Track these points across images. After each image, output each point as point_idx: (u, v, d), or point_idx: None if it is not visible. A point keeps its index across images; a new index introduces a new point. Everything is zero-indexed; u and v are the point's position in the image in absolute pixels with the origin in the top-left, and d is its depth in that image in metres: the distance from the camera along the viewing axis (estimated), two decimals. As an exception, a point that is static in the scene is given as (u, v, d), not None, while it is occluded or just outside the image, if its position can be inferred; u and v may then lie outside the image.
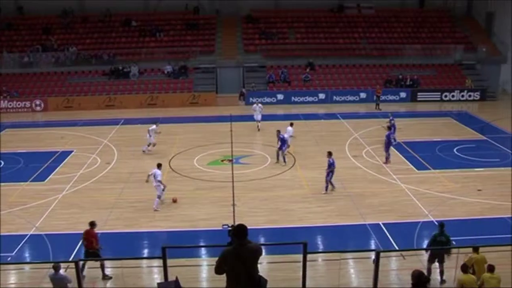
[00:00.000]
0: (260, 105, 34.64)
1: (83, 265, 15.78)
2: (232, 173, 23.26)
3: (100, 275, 16.03)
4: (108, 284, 15.86)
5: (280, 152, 26.81)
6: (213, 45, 45.85)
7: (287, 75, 43.47)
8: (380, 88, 41.44)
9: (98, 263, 15.97)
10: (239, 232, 7.92)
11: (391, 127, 28.55)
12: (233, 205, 21.29)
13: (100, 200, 22.32)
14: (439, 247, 15.02)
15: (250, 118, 36.68)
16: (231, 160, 26.81)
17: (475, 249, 14.52)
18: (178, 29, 47.19)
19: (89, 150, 29.29)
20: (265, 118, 36.50)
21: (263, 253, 16.67)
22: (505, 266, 14.76)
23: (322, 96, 42.09)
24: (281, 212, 21.05)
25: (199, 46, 45.19)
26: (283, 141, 26.65)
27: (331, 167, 22.75)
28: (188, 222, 20.10)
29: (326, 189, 23.05)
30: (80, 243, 17.06)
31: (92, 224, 16.21)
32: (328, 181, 23.06)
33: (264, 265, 16.58)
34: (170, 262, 10.03)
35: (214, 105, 40.68)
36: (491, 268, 13.65)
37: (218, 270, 8.08)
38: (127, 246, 17.68)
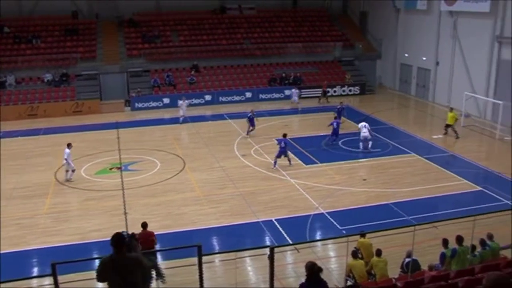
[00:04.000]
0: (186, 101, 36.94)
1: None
2: (122, 181, 22.80)
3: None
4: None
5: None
6: (94, 50, 44.57)
7: (172, 79, 43.20)
8: (326, 84, 43.02)
9: None
10: (115, 241, 7.87)
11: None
12: (125, 213, 20.87)
13: (-19, 219, 21.04)
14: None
15: (137, 123, 36.26)
16: (119, 168, 26.27)
17: (362, 235, 15.31)
18: (57, 35, 45.37)
19: (-34, 167, 27.51)
20: (151, 123, 36.28)
21: (159, 260, 16.64)
22: (391, 249, 15.68)
23: (208, 97, 42.24)
24: (174, 216, 20.94)
25: (79, 52, 43.76)
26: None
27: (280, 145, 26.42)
28: (79, 235, 19.45)
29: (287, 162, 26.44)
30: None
31: (145, 225, 16.28)
32: (276, 157, 26.24)
33: (162, 271, 16.41)
34: (61, 278, 9.68)
35: (99, 113, 39.54)
36: (378, 252, 14.41)
37: (99, 278, 8.02)
38: (14, 266, 16.79)
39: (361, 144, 29.31)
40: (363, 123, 29.57)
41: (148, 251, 15.49)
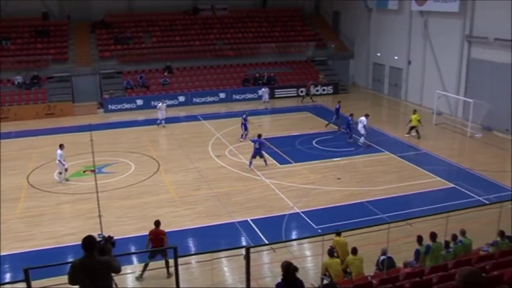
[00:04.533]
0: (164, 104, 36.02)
1: (146, 265, 16.27)
2: (96, 184, 22.55)
3: (165, 273, 16.33)
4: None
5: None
6: (66, 52, 44.04)
7: (145, 80, 42.93)
8: (310, 84, 43.19)
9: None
10: (85, 244, 7.82)
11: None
12: (99, 216, 20.62)
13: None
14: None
15: (111, 126, 35.95)
16: (93, 170, 25.98)
17: (338, 234, 15.41)
18: (27, 37, 44.69)
19: None
20: (124, 125, 36.00)
21: (135, 262, 16.56)
22: (366, 247, 15.81)
23: (181, 98, 42.06)
24: (149, 218, 20.68)
25: (51, 54, 43.17)
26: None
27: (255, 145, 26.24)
28: (53, 239, 19.22)
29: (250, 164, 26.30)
30: None
31: (158, 223, 16.69)
32: (251, 157, 26.17)
33: (138, 273, 16.36)
34: (35, 284, 9.56)
35: (72, 115, 39.07)
36: (354, 251, 14.52)
37: (70, 281, 7.97)
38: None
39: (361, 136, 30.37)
40: (362, 118, 30.39)
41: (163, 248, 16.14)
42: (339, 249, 15.09)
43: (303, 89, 43.21)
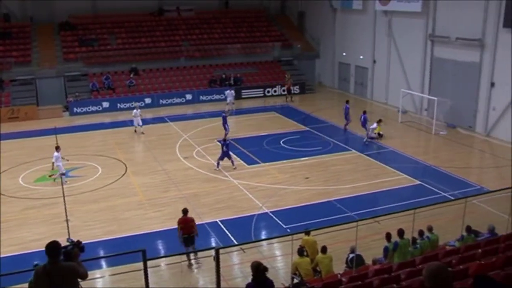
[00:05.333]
0: (139, 110, 34.56)
1: (189, 254, 16.84)
2: (62, 188, 22.27)
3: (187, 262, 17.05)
4: None
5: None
6: (29, 54, 43.25)
7: (111, 82, 42.48)
8: (290, 83, 43.63)
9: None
10: (49, 249, 7.69)
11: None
12: (67, 220, 20.37)
13: None
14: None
15: (76, 129, 35.47)
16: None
17: (307, 233, 15.52)
18: (-12, 40, 43.86)
19: None
20: (91, 127, 35.57)
21: (103, 267, 16.39)
22: (335, 245, 15.94)
23: (148, 100, 41.71)
24: (117, 221, 20.62)
25: (13, 56, 42.33)
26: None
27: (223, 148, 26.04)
28: (18, 245, 18.86)
29: (218, 165, 26.19)
30: None
31: (186, 211, 17.26)
32: (219, 158, 26.14)
33: (107, 278, 16.21)
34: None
35: (37, 119, 38.42)
36: (323, 249, 14.63)
37: (35, 287, 7.85)
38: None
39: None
40: (374, 124, 31.33)
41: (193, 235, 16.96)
42: (308, 248, 15.20)
43: (284, 88, 43.78)
